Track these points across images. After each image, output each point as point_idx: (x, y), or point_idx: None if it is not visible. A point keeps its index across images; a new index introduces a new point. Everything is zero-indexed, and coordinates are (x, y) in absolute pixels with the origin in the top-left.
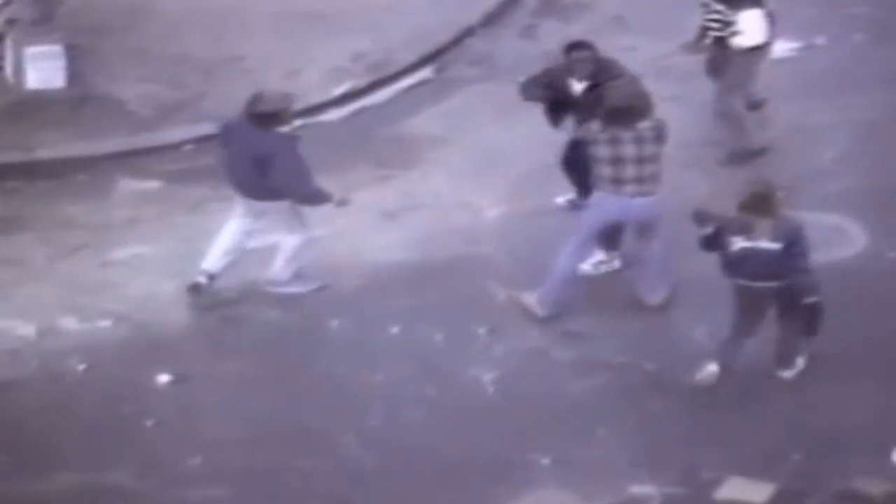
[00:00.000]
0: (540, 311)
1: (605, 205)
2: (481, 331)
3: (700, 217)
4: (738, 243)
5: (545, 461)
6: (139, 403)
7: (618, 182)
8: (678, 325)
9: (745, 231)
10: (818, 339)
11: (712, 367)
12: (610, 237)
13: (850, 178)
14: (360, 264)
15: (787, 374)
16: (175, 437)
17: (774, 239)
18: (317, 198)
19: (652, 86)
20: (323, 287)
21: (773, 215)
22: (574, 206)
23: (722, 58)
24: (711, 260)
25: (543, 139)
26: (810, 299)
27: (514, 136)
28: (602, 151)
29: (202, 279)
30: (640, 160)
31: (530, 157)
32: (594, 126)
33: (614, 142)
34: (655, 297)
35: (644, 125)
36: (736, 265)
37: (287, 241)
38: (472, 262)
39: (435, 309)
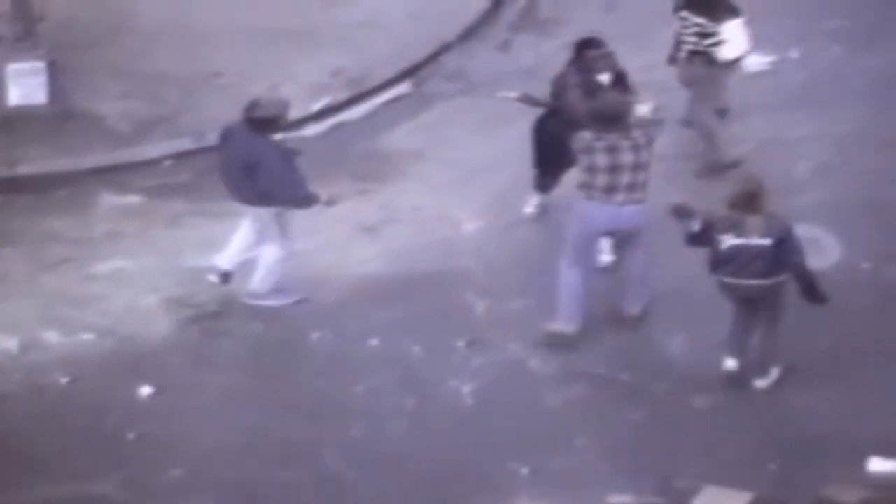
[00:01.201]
0: (570, 329)
1: (595, 215)
2: (460, 343)
3: (680, 212)
4: (729, 241)
5: (524, 471)
6: (122, 416)
7: (611, 190)
8: (655, 337)
9: (735, 228)
10: (792, 351)
11: (731, 362)
12: None
13: (826, 191)
14: (340, 277)
15: (762, 382)
16: (158, 449)
17: (765, 235)
18: (304, 201)
19: None
20: (303, 300)
21: (762, 212)
22: (544, 210)
23: (698, 69)
24: (688, 271)
25: (521, 152)
26: (810, 279)
27: (491, 150)
28: (600, 160)
29: (215, 278)
30: (636, 167)
31: (508, 170)
32: (587, 135)
33: (612, 150)
34: (634, 308)
35: (637, 132)
36: (725, 263)
37: (266, 254)
38: (451, 274)
39: (414, 321)
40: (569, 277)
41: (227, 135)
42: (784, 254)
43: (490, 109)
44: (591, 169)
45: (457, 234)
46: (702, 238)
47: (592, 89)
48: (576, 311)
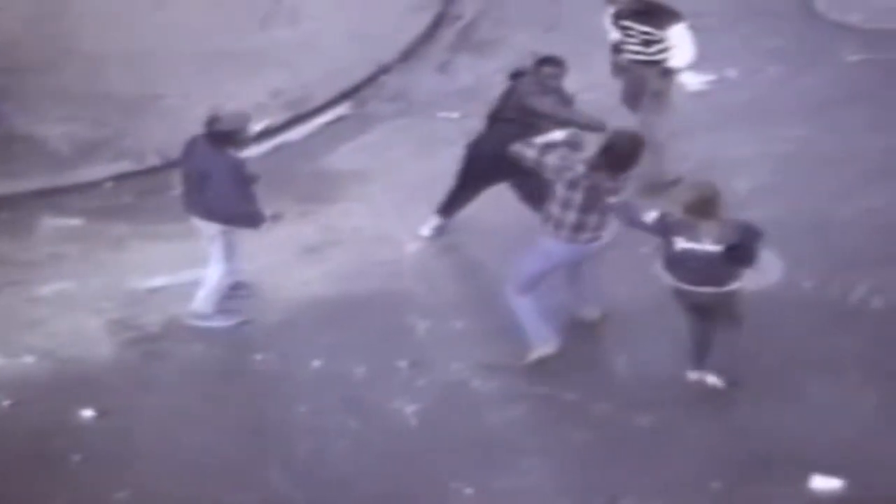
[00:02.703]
0: (552, 348)
1: (561, 254)
2: (403, 364)
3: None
4: (680, 244)
5: (468, 491)
6: (66, 438)
7: (579, 229)
8: (598, 356)
9: (688, 232)
10: (735, 369)
11: (693, 375)
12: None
13: (766, 210)
14: (283, 299)
15: (715, 380)
16: (102, 472)
17: (717, 242)
18: (248, 219)
19: None
20: (245, 321)
21: (715, 218)
22: (440, 233)
23: (642, 82)
24: (630, 290)
25: None
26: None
27: (432, 170)
28: (576, 197)
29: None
30: (607, 209)
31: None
32: (579, 168)
33: (593, 189)
34: (594, 312)
35: (626, 176)
36: (676, 266)
37: (210, 274)
38: (393, 295)
39: (357, 342)
40: (523, 304)
41: (190, 146)
42: (736, 258)
43: (431, 130)
44: (566, 205)
45: (399, 255)
46: (653, 229)
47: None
48: (547, 330)
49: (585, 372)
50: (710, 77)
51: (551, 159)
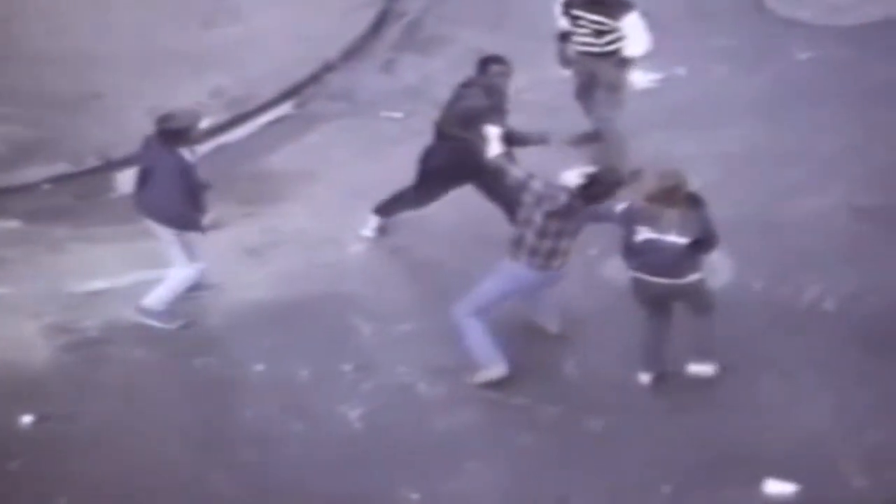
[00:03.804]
0: (500, 371)
1: (529, 280)
2: (348, 367)
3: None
4: (644, 234)
5: (415, 496)
6: (3, 445)
7: (552, 255)
8: (547, 359)
9: (651, 221)
10: (719, 354)
11: (644, 377)
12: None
13: (715, 210)
14: (225, 301)
15: (699, 368)
16: (41, 479)
17: (680, 233)
18: (188, 223)
19: (514, 120)
20: (187, 325)
21: (679, 207)
22: (382, 233)
23: (594, 74)
24: (580, 293)
25: (407, 173)
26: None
27: (377, 171)
28: (552, 226)
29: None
30: (576, 233)
31: (393, 191)
32: (561, 198)
33: (567, 214)
34: (555, 325)
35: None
36: (637, 256)
37: (174, 274)
38: (337, 297)
39: (301, 345)
40: (474, 326)
41: (145, 146)
42: (699, 246)
43: (375, 130)
44: (542, 233)
45: (343, 257)
46: (618, 219)
47: (499, 106)
48: (495, 353)
49: (534, 375)
50: (658, 75)
51: (536, 184)
